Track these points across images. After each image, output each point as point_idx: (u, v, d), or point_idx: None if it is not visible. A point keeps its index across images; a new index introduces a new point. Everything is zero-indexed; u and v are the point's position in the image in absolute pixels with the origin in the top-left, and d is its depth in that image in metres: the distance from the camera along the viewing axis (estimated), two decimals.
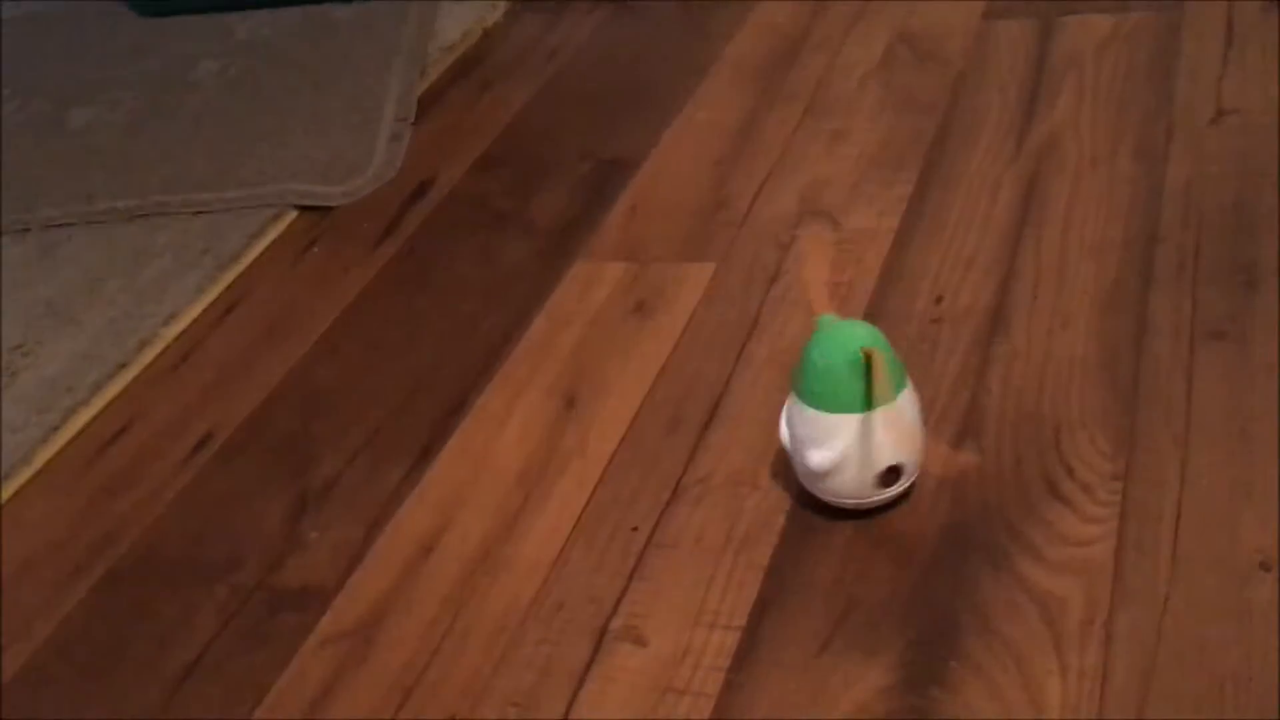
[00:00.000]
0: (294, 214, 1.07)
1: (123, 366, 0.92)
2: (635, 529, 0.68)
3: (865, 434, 0.61)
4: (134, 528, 0.78)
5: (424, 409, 0.82)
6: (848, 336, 0.62)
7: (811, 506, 0.66)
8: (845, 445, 0.62)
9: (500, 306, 0.89)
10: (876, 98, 1.02)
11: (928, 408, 0.71)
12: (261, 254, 1.03)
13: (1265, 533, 0.59)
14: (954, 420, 0.70)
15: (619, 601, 0.64)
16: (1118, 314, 0.74)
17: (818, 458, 0.63)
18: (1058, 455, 0.66)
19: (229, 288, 1.00)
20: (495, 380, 0.82)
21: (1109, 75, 0.97)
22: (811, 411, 0.62)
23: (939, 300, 0.79)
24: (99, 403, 0.90)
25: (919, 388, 0.70)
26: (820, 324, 0.63)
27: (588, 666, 0.61)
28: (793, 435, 0.64)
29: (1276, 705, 0.52)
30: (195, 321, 0.96)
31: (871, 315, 0.79)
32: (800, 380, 0.63)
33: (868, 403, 0.61)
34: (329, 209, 1.07)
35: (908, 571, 0.62)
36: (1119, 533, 0.61)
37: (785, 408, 0.65)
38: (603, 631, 0.63)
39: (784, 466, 0.68)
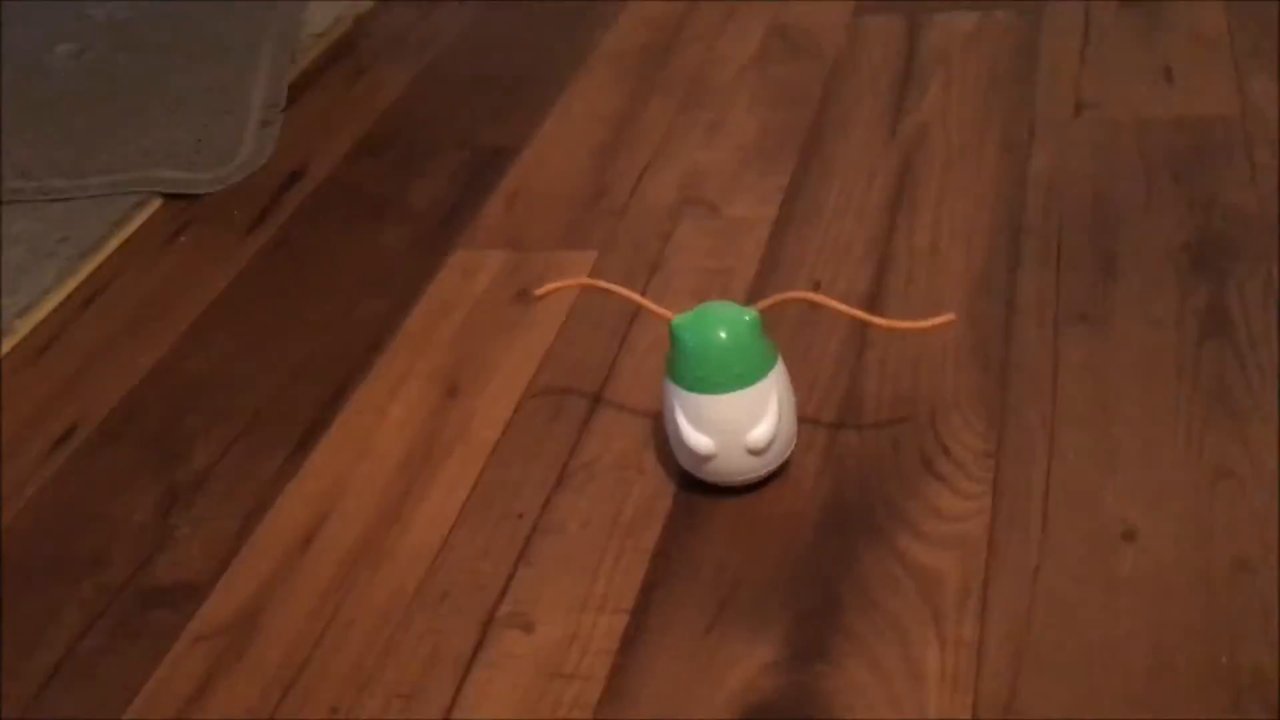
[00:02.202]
0: (159, 202, 1.03)
1: None
2: (520, 515, 0.68)
3: (733, 413, 0.63)
4: None
5: (301, 399, 0.80)
6: (713, 317, 0.63)
7: (695, 489, 0.67)
8: (718, 425, 0.63)
9: (378, 295, 0.88)
10: (752, 90, 1.03)
11: (808, 392, 0.72)
12: (125, 243, 0.99)
13: (1128, 504, 0.62)
14: (834, 403, 0.71)
15: (505, 588, 0.64)
16: (987, 298, 0.77)
17: (696, 440, 0.63)
18: (934, 434, 0.68)
19: (90, 277, 0.96)
20: (375, 369, 0.81)
21: (974, 71, 1.00)
22: (684, 394, 0.63)
23: (817, 286, 0.80)
24: None
25: (799, 373, 0.71)
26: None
27: (474, 654, 0.61)
28: (671, 419, 0.65)
29: (1144, 670, 0.54)
30: (54, 312, 0.92)
31: (751, 302, 0.80)
32: (672, 364, 0.64)
33: (725, 381, 0.62)
34: (196, 197, 1.03)
35: (790, 550, 0.63)
36: (992, 508, 0.63)
37: (664, 392, 0.65)
38: (489, 619, 0.62)
39: (668, 451, 0.69)
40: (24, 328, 0.91)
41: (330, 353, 0.83)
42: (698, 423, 0.63)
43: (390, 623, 0.63)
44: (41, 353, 0.89)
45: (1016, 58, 1.01)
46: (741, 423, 0.63)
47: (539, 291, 0.72)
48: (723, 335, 0.62)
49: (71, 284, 0.95)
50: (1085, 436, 0.66)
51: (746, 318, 0.63)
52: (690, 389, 0.63)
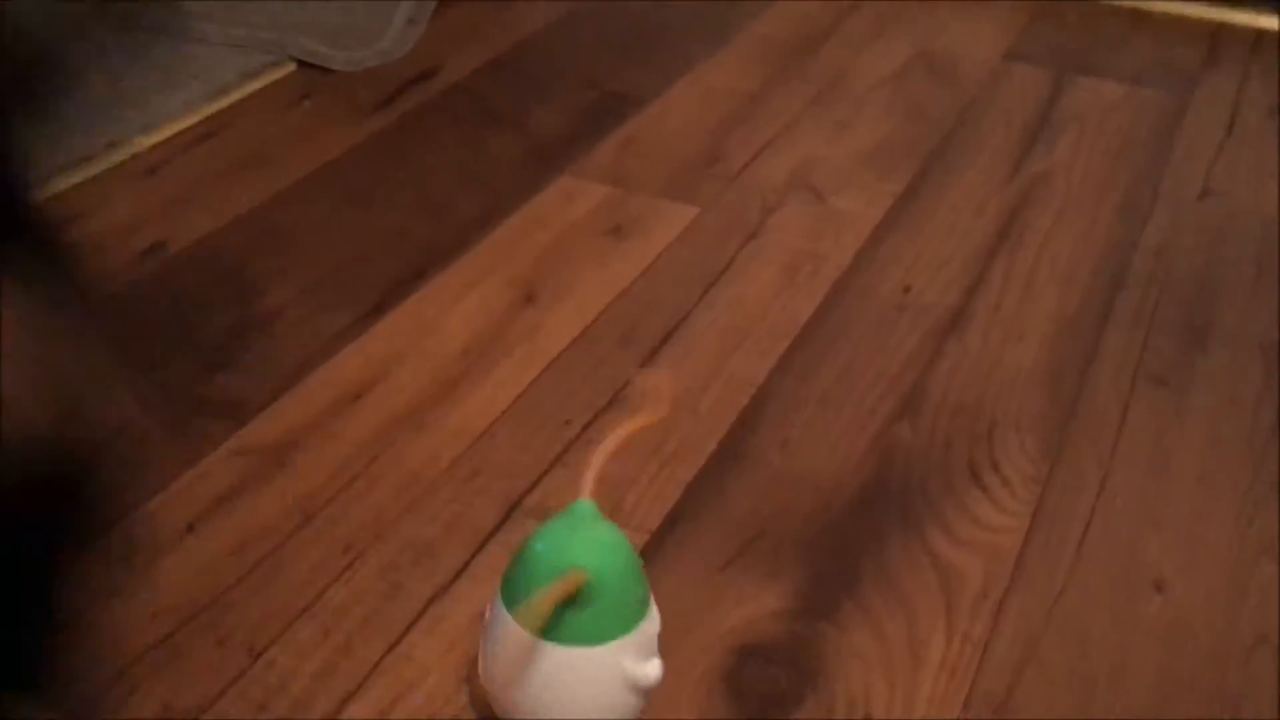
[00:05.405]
0: (292, 67, 1.06)
1: (86, 160, 0.91)
2: (568, 422, 0.69)
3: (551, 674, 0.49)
4: None
5: (382, 269, 0.81)
6: (603, 540, 0.50)
7: (744, 438, 0.67)
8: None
9: (478, 196, 0.89)
10: (886, 102, 1.04)
11: (874, 381, 0.72)
12: (252, 94, 1.02)
13: (1165, 559, 0.61)
14: (896, 397, 0.71)
15: (537, 481, 0.64)
16: (1071, 340, 0.76)
17: (648, 671, 0.50)
18: (987, 447, 0.68)
19: (212, 117, 0.98)
20: (459, 260, 0.82)
21: (1109, 136, 1.00)
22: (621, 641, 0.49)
23: (906, 290, 0.80)
24: (54, 189, 0.88)
25: (867, 369, 0.71)
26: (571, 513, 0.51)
27: (493, 532, 0.61)
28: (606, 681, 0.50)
29: (1142, 710, 0.54)
30: (171, 139, 0.95)
31: (838, 289, 0.80)
32: (600, 615, 0.49)
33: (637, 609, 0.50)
34: (329, 71, 1.06)
35: (821, 515, 0.63)
36: (1028, 530, 0.63)
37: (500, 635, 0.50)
38: (514, 505, 0.63)
39: (724, 400, 0.69)
40: (143, 144, 0.94)
41: (419, 237, 0.85)
42: (645, 650, 0.50)
43: (418, 485, 0.64)
44: (151, 171, 0.91)
45: (1154, 134, 1.00)
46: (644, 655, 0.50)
47: None
48: (623, 561, 0.50)
49: (194, 118, 0.98)
50: (1136, 488, 0.66)
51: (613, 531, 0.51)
52: (623, 633, 0.49)
